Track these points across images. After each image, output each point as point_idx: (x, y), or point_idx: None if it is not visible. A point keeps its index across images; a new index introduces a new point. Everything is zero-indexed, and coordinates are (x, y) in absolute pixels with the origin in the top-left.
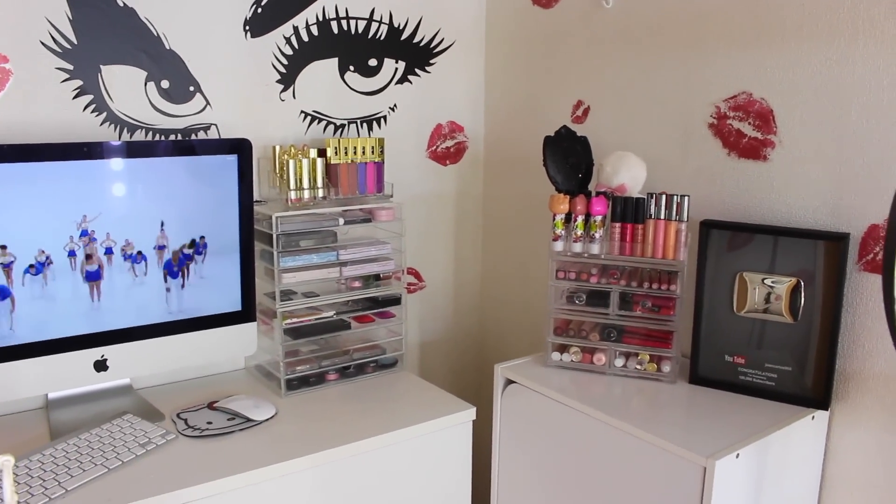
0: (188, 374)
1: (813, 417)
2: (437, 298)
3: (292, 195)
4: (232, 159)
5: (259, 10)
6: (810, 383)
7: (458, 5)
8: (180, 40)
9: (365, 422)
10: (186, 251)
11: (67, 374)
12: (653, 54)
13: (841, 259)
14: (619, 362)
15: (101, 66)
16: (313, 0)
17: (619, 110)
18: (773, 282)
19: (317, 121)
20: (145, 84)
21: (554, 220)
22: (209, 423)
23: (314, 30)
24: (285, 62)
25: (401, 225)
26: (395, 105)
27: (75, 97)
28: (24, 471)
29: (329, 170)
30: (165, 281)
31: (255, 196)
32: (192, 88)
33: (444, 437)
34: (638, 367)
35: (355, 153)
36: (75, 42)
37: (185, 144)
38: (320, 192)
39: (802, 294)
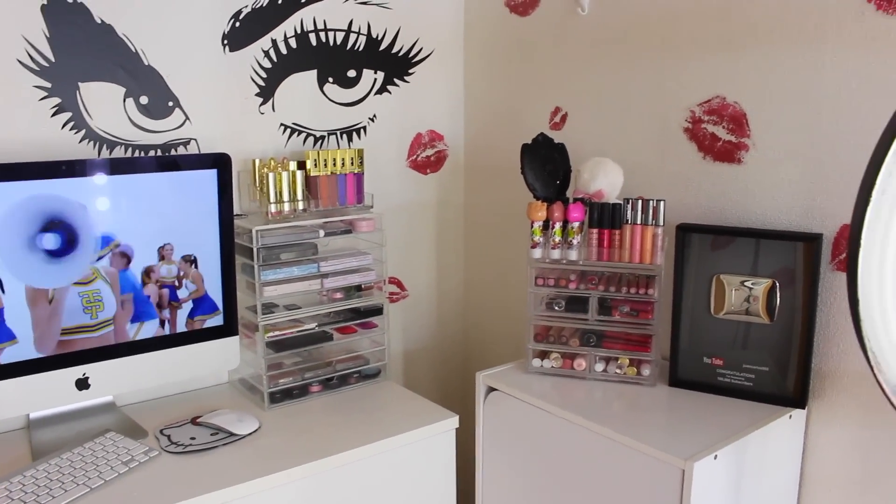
0: (171, 389)
1: (790, 416)
2: (421, 307)
3: (272, 208)
4: (212, 174)
5: (237, 24)
6: (787, 383)
7: (436, 15)
8: (159, 56)
9: (348, 433)
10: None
11: (49, 394)
12: (628, 60)
13: (815, 259)
14: (600, 367)
15: (80, 84)
16: (291, 13)
17: (596, 116)
18: (749, 283)
19: (296, 133)
20: (124, 100)
21: (532, 227)
22: (192, 438)
23: (292, 42)
24: (264, 75)
25: (381, 235)
26: (374, 115)
27: (54, 115)
28: (3, 493)
29: (309, 182)
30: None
31: (236, 210)
32: (171, 104)
33: (427, 446)
34: (618, 371)
35: (335, 165)
36: (53, 60)
37: (165, 160)
38: (300, 205)
39: (778, 295)
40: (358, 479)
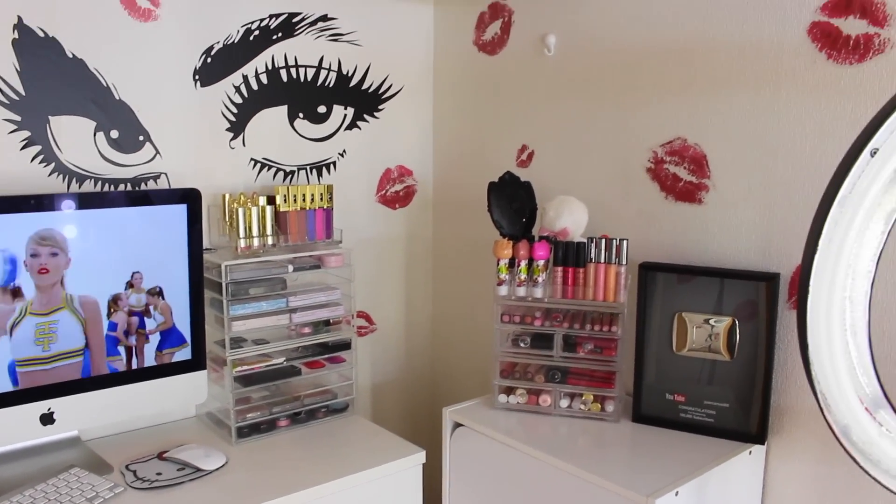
0: (138, 423)
1: (750, 452)
2: (389, 341)
3: (242, 243)
4: (181, 208)
5: (209, 59)
6: (748, 419)
7: (406, 52)
8: (130, 90)
9: (316, 468)
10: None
11: (12, 429)
12: (593, 101)
13: (773, 298)
14: (564, 403)
15: (50, 117)
16: (262, 49)
17: (561, 155)
18: (711, 321)
19: (266, 168)
20: (94, 134)
21: (498, 264)
22: (159, 473)
23: (263, 78)
24: (235, 110)
25: (350, 270)
26: (344, 151)
27: (23, 148)
28: None
29: (278, 217)
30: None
31: (205, 244)
32: (141, 138)
33: (394, 482)
34: (582, 407)
35: (304, 200)
36: (23, 93)
37: (135, 195)
38: (270, 240)
39: (738, 332)
40: None
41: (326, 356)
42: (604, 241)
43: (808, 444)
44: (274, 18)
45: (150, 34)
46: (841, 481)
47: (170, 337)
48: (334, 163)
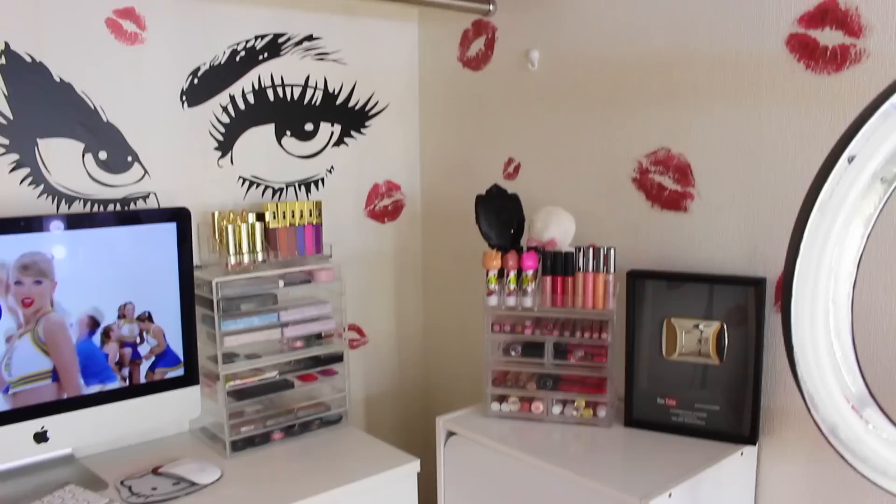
0: (132, 439)
1: (742, 453)
2: (381, 353)
3: (232, 260)
4: (171, 227)
5: (196, 80)
6: (739, 421)
7: (391, 70)
8: (118, 112)
9: (310, 480)
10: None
11: (6, 448)
12: (578, 113)
13: (760, 302)
14: (557, 409)
15: (38, 140)
16: (249, 69)
17: (547, 166)
18: (700, 326)
19: (255, 185)
20: (83, 156)
21: (487, 275)
22: (154, 489)
23: (250, 98)
24: (223, 130)
25: (340, 284)
26: (332, 167)
27: (11, 171)
28: None
29: (268, 233)
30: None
31: (196, 261)
32: (130, 158)
33: (389, 491)
34: (574, 413)
35: (293, 216)
36: (11, 117)
37: (125, 214)
38: (260, 256)
39: (727, 336)
40: None
41: (319, 369)
42: (591, 249)
43: (799, 444)
44: (259, 39)
45: (137, 57)
46: (831, 480)
47: (164, 358)
48: (322, 179)
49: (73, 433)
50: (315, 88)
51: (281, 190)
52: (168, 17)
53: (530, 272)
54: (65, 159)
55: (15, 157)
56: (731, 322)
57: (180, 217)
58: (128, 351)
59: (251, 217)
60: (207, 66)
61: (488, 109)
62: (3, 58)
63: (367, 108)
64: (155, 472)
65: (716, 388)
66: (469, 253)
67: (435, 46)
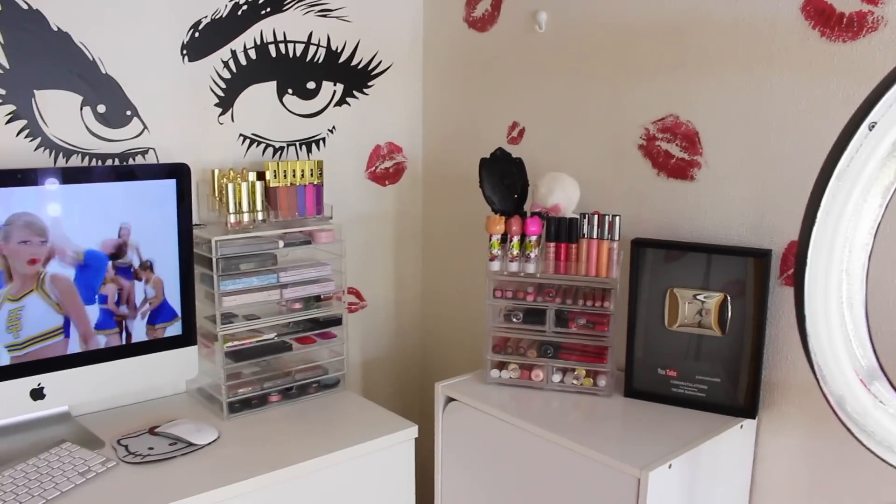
0: (128, 399)
1: (741, 426)
2: (379, 317)
3: (232, 219)
4: (170, 184)
5: (196, 34)
6: (738, 393)
7: (396, 29)
8: (117, 65)
9: (308, 443)
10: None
11: (3, 404)
12: (584, 77)
13: (764, 274)
14: (557, 378)
15: (35, 91)
16: (251, 24)
17: (553, 132)
18: (702, 297)
19: (255, 144)
20: (81, 109)
21: (490, 240)
22: (150, 448)
23: (252, 53)
24: (223, 86)
25: (341, 246)
26: (333, 127)
27: (8, 122)
28: None
29: (268, 193)
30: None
31: (195, 220)
32: (129, 113)
33: (387, 456)
34: (574, 381)
35: (294, 176)
36: (7, 67)
37: (123, 169)
38: (260, 215)
39: (730, 308)
40: (317, 488)
41: (317, 332)
42: (596, 216)
43: (799, 419)
44: None
45: (137, 7)
46: (830, 455)
47: (162, 311)
48: (324, 139)
49: (70, 391)
50: (318, 46)
51: (282, 149)
52: None
53: (534, 238)
54: (62, 112)
55: (11, 108)
56: (734, 294)
57: (180, 173)
58: (126, 284)
59: (251, 175)
60: (209, 20)
61: (493, 72)
62: None
63: (371, 68)
64: (151, 431)
65: (716, 360)
66: (470, 218)
67: (440, 5)
